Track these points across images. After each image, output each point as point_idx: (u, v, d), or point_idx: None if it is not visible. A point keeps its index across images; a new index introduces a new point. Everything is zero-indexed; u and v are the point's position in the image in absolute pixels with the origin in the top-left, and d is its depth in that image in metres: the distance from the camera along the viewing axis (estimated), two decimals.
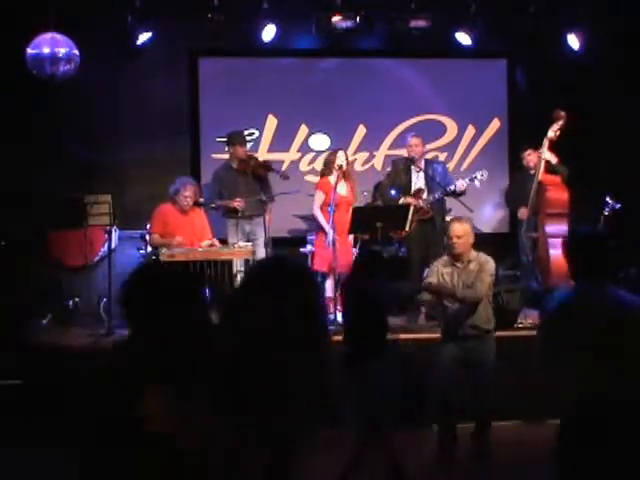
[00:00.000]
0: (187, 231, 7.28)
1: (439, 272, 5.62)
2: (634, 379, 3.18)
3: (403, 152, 7.90)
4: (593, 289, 3.36)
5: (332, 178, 7.49)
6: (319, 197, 7.54)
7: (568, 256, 3.52)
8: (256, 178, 7.63)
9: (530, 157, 7.92)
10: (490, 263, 5.57)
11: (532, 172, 7.77)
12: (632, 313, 3.26)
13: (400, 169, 7.75)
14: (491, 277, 5.57)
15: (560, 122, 7.49)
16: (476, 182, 7.48)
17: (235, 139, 7.76)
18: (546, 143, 7.55)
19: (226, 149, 7.97)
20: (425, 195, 7.57)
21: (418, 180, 7.69)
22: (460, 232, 5.53)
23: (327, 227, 7.24)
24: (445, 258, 5.72)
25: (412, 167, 7.67)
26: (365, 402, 4.92)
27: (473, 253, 5.59)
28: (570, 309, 3.38)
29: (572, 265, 3.49)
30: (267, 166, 7.77)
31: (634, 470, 3.11)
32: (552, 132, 7.52)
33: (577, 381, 3.24)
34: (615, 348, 3.20)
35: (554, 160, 7.59)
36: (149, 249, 7.41)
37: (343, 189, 7.58)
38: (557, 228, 7.25)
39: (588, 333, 3.24)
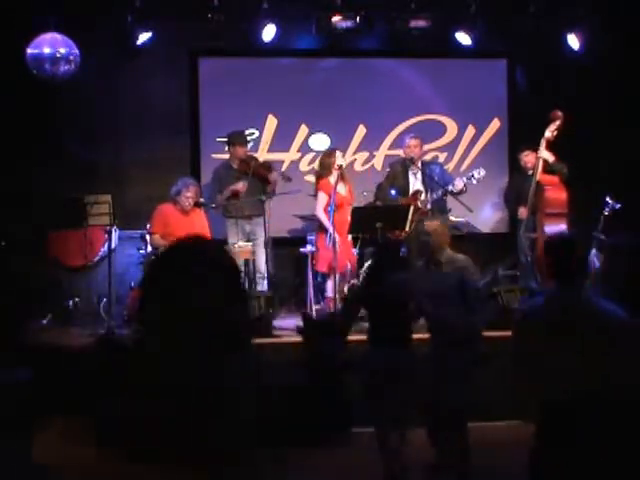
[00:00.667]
0: (187, 231, 7.26)
1: (420, 281, 5.34)
2: (602, 381, 3.21)
3: (402, 152, 7.90)
4: (565, 292, 3.44)
5: (332, 179, 7.49)
6: (322, 198, 7.51)
7: (545, 259, 3.72)
8: (258, 178, 7.65)
9: (527, 158, 7.92)
10: (469, 268, 5.22)
11: (530, 172, 7.77)
12: (602, 318, 3.30)
13: (398, 171, 7.76)
14: (475, 285, 5.35)
15: (557, 122, 7.50)
16: (473, 180, 7.46)
17: (235, 139, 7.77)
18: (543, 143, 7.56)
19: (226, 149, 7.98)
20: (423, 197, 7.57)
21: (416, 181, 7.70)
22: (428, 229, 5.21)
23: (331, 228, 7.24)
24: (422, 261, 5.58)
25: (409, 168, 7.68)
26: (396, 399, 4.91)
27: (447, 254, 5.24)
28: (540, 310, 3.49)
29: (547, 268, 3.65)
30: (268, 166, 7.78)
31: (605, 470, 3.13)
32: (549, 132, 7.53)
33: (545, 383, 3.29)
34: (583, 351, 3.25)
35: (551, 159, 7.61)
36: (149, 249, 7.41)
37: (343, 189, 7.58)
38: (556, 228, 7.26)
39: (556, 335, 3.31)
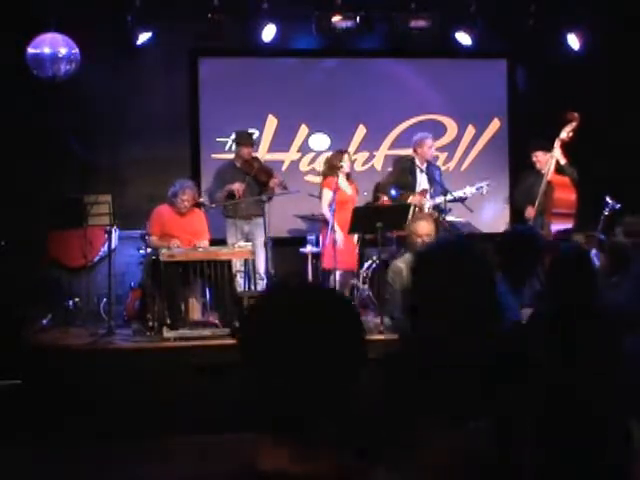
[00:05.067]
0: (184, 232, 7.28)
1: None
2: None
3: (403, 152, 7.92)
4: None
5: (337, 178, 7.48)
6: (327, 195, 7.49)
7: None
8: (257, 181, 7.67)
9: (538, 158, 7.87)
10: None
11: (543, 172, 7.73)
12: None
13: (406, 168, 7.75)
14: None
15: (573, 123, 7.49)
16: (480, 192, 7.59)
17: (242, 139, 7.79)
18: (558, 143, 7.54)
19: (227, 147, 7.98)
20: (428, 196, 7.59)
21: (422, 181, 7.72)
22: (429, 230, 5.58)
23: (336, 225, 7.26)
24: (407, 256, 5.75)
25: (417, 167, 7.69)
26: None
27: None
28: None
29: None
30: (269, 173, 7.77)
31: None
32: (565, 133, 7.51)
33: None
34: None
35: (563, 161, 7.60)
36: (149, 249, 7.41)
37: (348, 189, 7.62)
38: (562, 226, 7.28)
39: None
